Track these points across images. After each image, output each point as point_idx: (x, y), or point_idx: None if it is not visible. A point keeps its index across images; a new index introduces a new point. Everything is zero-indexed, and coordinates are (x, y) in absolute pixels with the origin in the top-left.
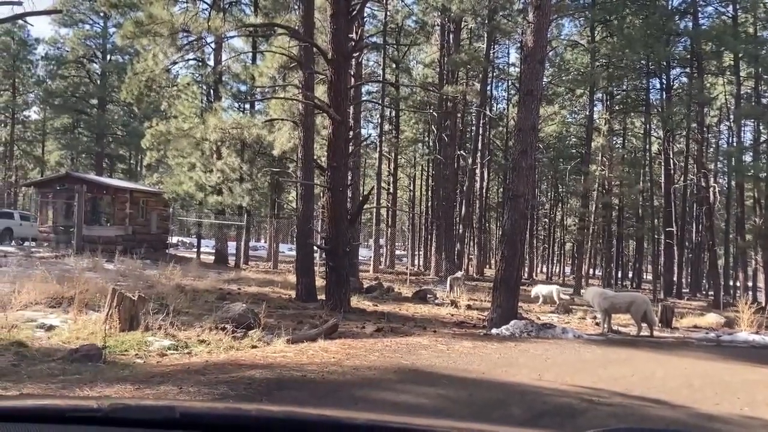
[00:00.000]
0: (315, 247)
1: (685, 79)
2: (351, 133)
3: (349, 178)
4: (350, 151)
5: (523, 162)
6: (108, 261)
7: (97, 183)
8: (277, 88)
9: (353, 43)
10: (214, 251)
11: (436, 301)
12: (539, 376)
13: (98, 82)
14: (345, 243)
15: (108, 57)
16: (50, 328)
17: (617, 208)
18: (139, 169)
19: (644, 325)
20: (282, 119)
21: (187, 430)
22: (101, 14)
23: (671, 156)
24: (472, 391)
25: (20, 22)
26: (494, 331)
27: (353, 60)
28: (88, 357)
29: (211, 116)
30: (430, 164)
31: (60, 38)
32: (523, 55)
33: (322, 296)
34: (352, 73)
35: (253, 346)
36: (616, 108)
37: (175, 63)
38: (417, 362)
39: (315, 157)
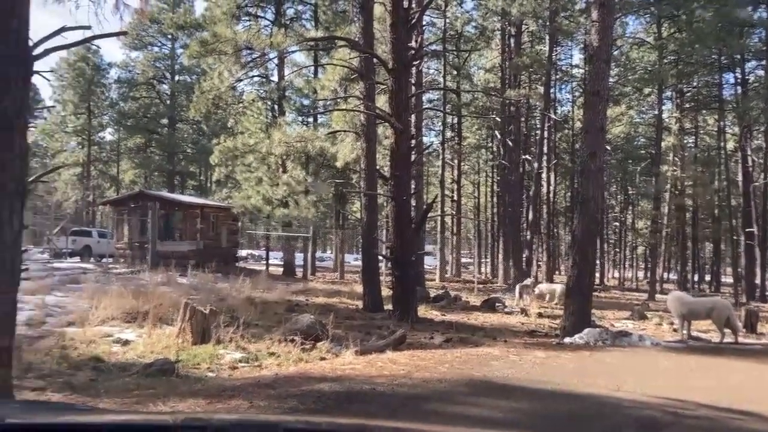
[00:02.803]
0: (380, 257)
1: (761, 72)
2: (413, 141)
3: (413, 186)
4: (413, 159)
5: (592, 165)
6: (181, 275)
7: (169, 200)
8: (339, 100)
9: (413, 52)
10: (282, 263)
11: (506, 310)
12: (617, 387)
13: (168, 102)
14: (410, 252)
15: (176, 77)
16: (126, 342)
17: (691, 209)
18: (209, 184)
19: (727, 331)
20: (344, 131)
21: None
22: (169, 36)
23: (749, 153)
24: (547, 403)
25: (93, 48)
26: (567, 339)
27: (413, 68)
28: (161, 371)
29: (276, 131)
30: (495, 170)
31: (131, 61)
32: (587, 55)
33: (388, 306)
34: (412, 81)
35: (322, 358)
36: (687, 106)
37: (240, 80)
38: (489, 374)
39: (378, 167)
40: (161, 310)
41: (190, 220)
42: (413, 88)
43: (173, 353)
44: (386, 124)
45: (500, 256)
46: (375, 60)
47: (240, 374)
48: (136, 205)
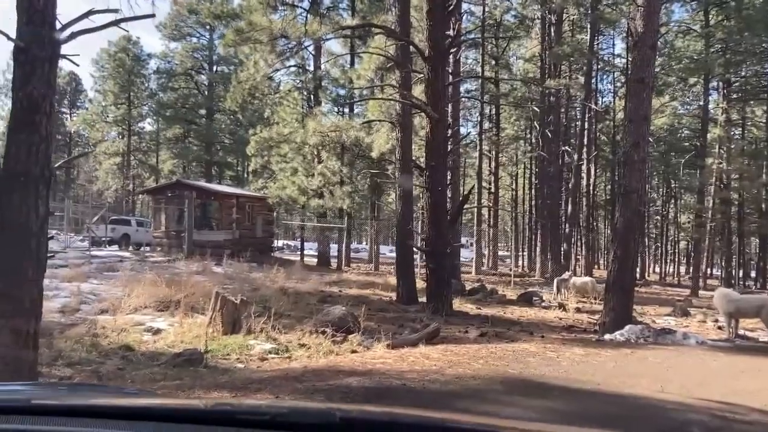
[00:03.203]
0: (415, 249)
1: None
2: (449, 131)
3: (449, 177)
4: (449, 149)
5: (635, 155)
6: (216, 264)
7: (206, 189)
8: (374, 89)
9: (450, 40)
10: (316, 254)
11: (543, 304)
12: (661, 388)
13: (206, 92)
14: (445, 244)
15: (214, 68)
16: (157, 331)
17: (737, 203)
18: (245, 175)
19: None
20: (380, 120)
21: None
22: (207, 27)
23: None
24: (586, 404)
25: (133, 39)
26: (607, 336)
27: (451, 57)
28: (189, 361)
29: (310, 120)
30: (533, 162)
31: (170, 52)
32: (631, 41)
33: (423, 299)
34: (449, 70)
35: (353, 351)
36: (734, 96)
37: (276, 70)
38: (525, 371)
39: (414, 158)
40: (193, 300)
41: (226, 209)
42: (450, 77)
43: (203, 343)
44: (423, 114)
45: (538, 250)
46: (411, 49)
47: (269, 366)
48: (173, 194)
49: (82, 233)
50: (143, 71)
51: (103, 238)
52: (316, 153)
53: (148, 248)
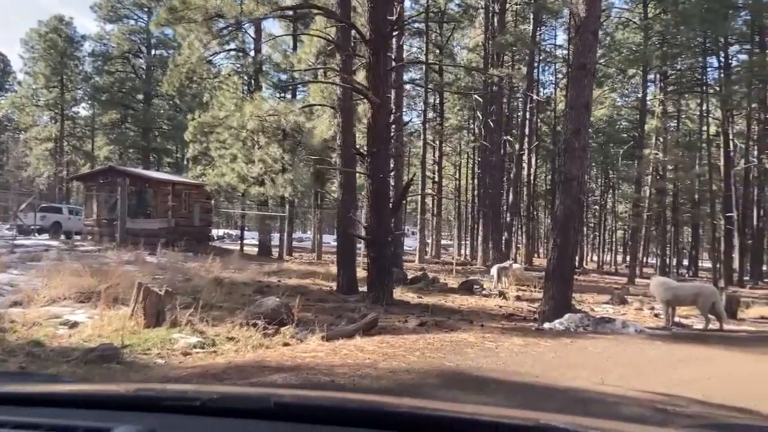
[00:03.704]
0: (356, 237)
1: (744, 57)
2: (392, 117)
3: (392, 165)
4: (391, 136)
5: (576, 142)
6: (150, 254)
7: (139, 176)
8: (316, 74)
9: (392, 24)
10: (257, 243)
11: (484, 292)
12: (601, 380)
13: (143, 76)
14: (387, 232)
15: (152, 51)
16: (74, 324)
17: (672, 193)
18: (185, 162)
19: (711, 317)
20: (320, 105)
21: (281, 421)
22: (144, 9)
23: (731, 137)
24: (525, 398)
25: (66, 19)
26: (547, 325)
27: (394, 43)
28: (103, 358)
29: (248, 103)
30: (476, 151)
31: (105, 34)
32: (574, 26)
33: (364, 288)
34: (392, 56)
35: (285, 344)
36: (670, 89)
37: (216, 53)
38: (462, 363)
39: (358, 146)
40: (118, 290)
41: (161, 197)
42: (393, 62)
43: (122, 337)
44: (366, 101)
45: (480, 238)
46: (353, 32)
47: (192, 361)
48: (105, 181)
49: (9, 221)
50: (77, 53)
51: (32, 227)
52: (255, 139)
53: (79, 237)
